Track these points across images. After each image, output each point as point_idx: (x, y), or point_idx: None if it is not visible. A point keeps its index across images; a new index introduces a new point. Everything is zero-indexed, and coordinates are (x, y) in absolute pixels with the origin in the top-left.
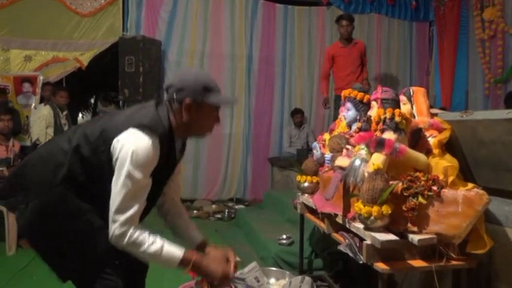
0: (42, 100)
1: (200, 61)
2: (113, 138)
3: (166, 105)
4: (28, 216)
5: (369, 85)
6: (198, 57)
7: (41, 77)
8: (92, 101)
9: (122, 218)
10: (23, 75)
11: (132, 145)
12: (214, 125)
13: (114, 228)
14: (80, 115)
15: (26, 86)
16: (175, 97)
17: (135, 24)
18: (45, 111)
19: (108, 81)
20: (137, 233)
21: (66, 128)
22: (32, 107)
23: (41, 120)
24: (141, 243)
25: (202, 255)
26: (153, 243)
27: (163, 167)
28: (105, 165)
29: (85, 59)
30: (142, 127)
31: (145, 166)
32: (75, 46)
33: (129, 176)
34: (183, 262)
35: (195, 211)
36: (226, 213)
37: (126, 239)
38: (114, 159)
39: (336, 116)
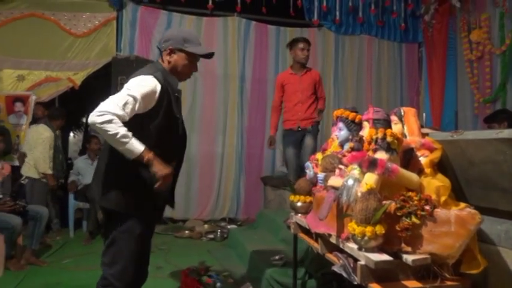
0: (33, 120)
1: (193, 81)
2: None
3: (160, 58)
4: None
5: (320, 117)
6: (191, 77)
7: (34, 97)
8: (84, 120)
9: (110, 106)
10: (15, 95)
11: (136, 78)
12: (192, 71)
13: (97, 109)
14: (72, 134)
15: (18, 106)
16: (163, 46)
17: (129, 44)
18: (47, 133)
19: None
20: (116, 119)
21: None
22: (25, 127)
23: (45, 143)
24: (117, 124)
25: (155, 156)
26: (126, 131)
27: (174, 104)
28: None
29: (78, 78)
30: (146, 74)
31: (143, 86)
32: (68, 66)
33: (127, 87)
34: (142, 154)
35: (187, 231)
36: (218, 233)
37: (104, 119)
38: None
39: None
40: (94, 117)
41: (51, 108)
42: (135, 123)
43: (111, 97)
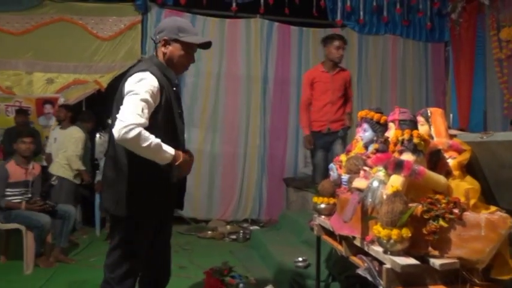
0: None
1: (216, 82)
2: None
3: (156, 51)
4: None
5: (350, 122)
6: (214, 78)
7: (62, 99)
8: (109, 121)
9: (131, 117)
10: (45, 97)
11: (134, 77)
12: (189, 63)
13: (122, 125)
14: (98, 136)
15: (47, 108)
16: (157, 37)
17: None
18: (80, 133)
19: None
20: (143, 130)
21: (89, 149)
22: (53, 127)
23: (78, 142)
24: (148, 138)
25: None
26: (155, 138)
27: (172, 98)
28: None
29: (104, 80)
30: (143, 70)
31: (147, 85)
32: (95, 69)
33: (133, 92)
34: (175, 156)
35: (209, 232)
36: (241, 234)
37: (134, 133)
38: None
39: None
40: (122, 134)
41: (82, 112)
42: None
43: (126, 107)
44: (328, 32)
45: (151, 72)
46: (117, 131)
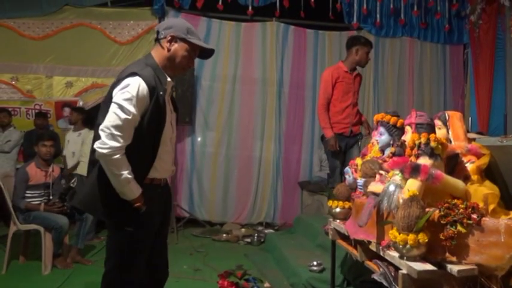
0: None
1: (232, 85)
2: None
3: (154, 48)
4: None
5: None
6: (230, 81)
7: (81, 102)
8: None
9: (112, 140)
10: (64, 100)
11: (123, 82)
12: (189, 66)
13: (103, 146)
14: None
15: (66, 111)
16: (163, 33)
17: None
18: (92, 134)
19: None
20: (122, 157)
21: None
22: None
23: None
24: (120, 167)
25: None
26: (129, 172)
27: (162, 100)
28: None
29: None
30: (132, 74)
31: (133, 97)
32: (113, 72)
33: (119, 105)
34: (134, 200)
35: (224, 234)
36: (255, 237)
37: (111, 157)
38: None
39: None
40: (103, 153)
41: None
42: None
43: (110, 125)
44: (343, 35)
45: (142, 76)
46: (98, 147)
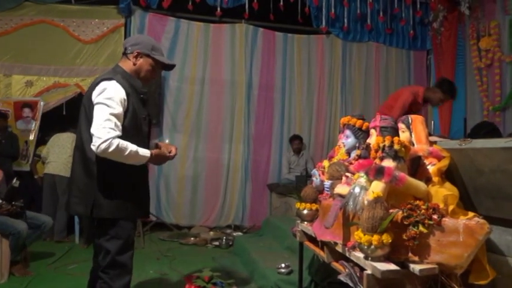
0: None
1: (200, 87)
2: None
3: (122, 60)
4: None
5: None
6: (198, 83)
7: (42, 102)
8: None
9: (106, 133)
10: (24, 101)
11: (101, 86)
12: (153, 78)
13: (100, 141)
14: None
15: (26, 111)
16: (130, 48)
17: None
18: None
19: None
20: (120, 141)
21: None
22: (34, 132)
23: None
24: (126, 147)
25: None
26: (131, 144)
27: (137, 104)
28: None
29: (86, 84)
30: (107, 79)
31: (115, 96)
32: (76, 72)
33: (102, 103)
34: (152, 155)
35: (192, 238)
36: (224, 240)
37: (113, 147)
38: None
39: None
40: (103, 150)
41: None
42: None
43: (100, 122)
44: (312, 39)
45: (117, 81)
46: (96, 147)
